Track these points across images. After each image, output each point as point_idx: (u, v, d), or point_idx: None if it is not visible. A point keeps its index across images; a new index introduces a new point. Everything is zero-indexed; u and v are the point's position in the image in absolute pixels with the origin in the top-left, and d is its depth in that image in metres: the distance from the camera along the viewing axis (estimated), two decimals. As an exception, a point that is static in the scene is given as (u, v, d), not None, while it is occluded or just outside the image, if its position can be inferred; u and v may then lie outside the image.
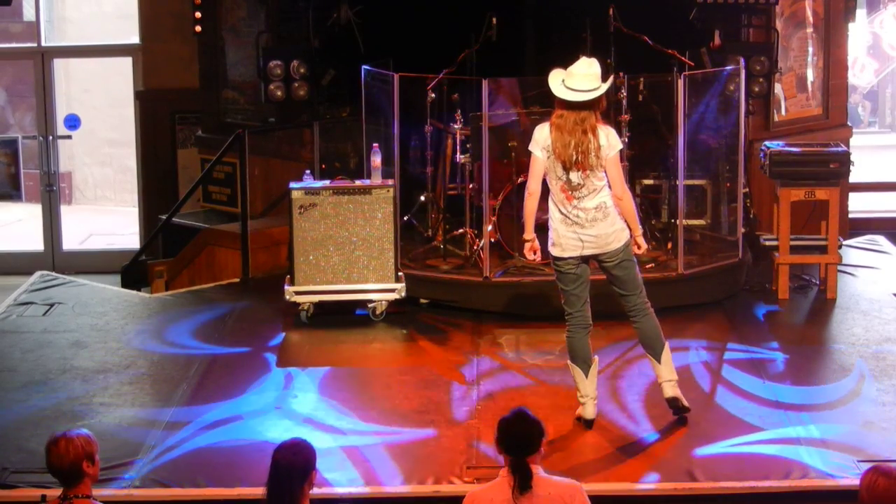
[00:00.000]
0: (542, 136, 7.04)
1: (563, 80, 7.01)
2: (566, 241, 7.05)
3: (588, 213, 7.00)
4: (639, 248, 7.22)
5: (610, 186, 7.04)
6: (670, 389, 7.26)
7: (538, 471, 5.17)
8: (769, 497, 6.55)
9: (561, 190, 7.02)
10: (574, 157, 6.92)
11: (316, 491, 5.19)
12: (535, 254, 7.23)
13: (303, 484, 5.01)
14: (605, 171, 7.01)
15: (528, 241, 7.21)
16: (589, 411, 7.24)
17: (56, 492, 5.13)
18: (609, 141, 7.00)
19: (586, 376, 7.21)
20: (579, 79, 6.97)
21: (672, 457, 6.92)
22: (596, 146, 6.94)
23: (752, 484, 6.57)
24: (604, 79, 7.07)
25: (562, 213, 7.04)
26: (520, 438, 5.19)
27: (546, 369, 8.25)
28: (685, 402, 7.29)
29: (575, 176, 6.97)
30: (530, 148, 7.10)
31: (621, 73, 9.69)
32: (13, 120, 16.66)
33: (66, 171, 16.11)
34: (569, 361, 7.26)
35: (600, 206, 7.01)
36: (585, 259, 7.12)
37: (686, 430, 7.22)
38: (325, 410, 7.64)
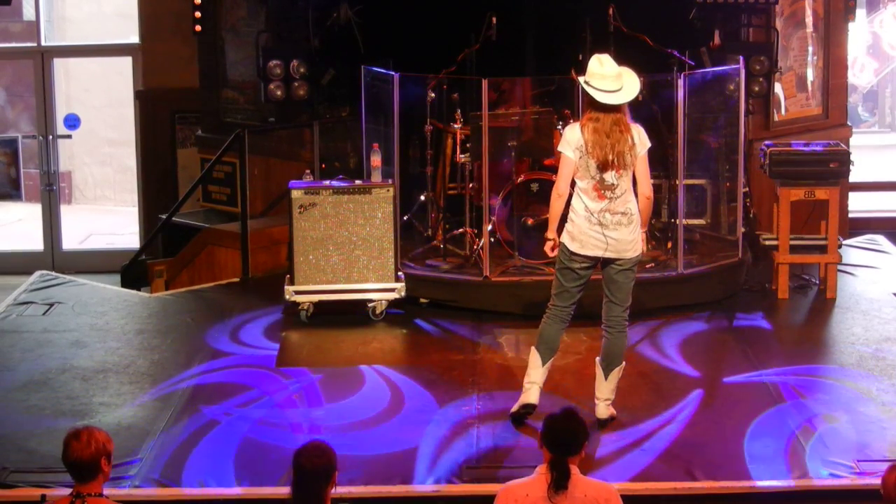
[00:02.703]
0: (573, 137, 7.03)
1: (586, 82, 7.01)
2: (587, 238, 7.04)
3: (615, 216, 7.02)
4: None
5: (635, 186, 7.07)
6: (605, 410, 7.26)
7: (575, 471, 5.19)
8: (769, 497, 6.56)
9: (593, 189, 7.03)
10: (610, 158, 6.95)
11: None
12: (554, 251, 7.24)
13: (327, 485, 5.03)
14: (634, 170, 7.04)
15: (550, 239, 7.22)
16: (533, 397, 7.24)
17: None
18: (640, 139, 7.06)
19: (543, 364, 7.24)
20: (611, 80, 6.97)
21: (671, 457, 6.91)
22: (630, 144, 6.98)
23: (751, 484, 6.57)
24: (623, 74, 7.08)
25: (588, 210, 7.04)
26: (564, 436, 5.21)
27: (546, 369, 8.24)
28: (614, 413, 7.30)
29: (609, 176, 6.99)
30: (560, 149, 7.10)
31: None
32: (13, 119, 16.66)
33: (66, 171, 16.10)
34: (534, 346, 7.28)
35: (627, 211, 7.04)
36: (598, 262, 7.11)
37: (687, 433, 7.22)
38: (325, 410, 7.64)
